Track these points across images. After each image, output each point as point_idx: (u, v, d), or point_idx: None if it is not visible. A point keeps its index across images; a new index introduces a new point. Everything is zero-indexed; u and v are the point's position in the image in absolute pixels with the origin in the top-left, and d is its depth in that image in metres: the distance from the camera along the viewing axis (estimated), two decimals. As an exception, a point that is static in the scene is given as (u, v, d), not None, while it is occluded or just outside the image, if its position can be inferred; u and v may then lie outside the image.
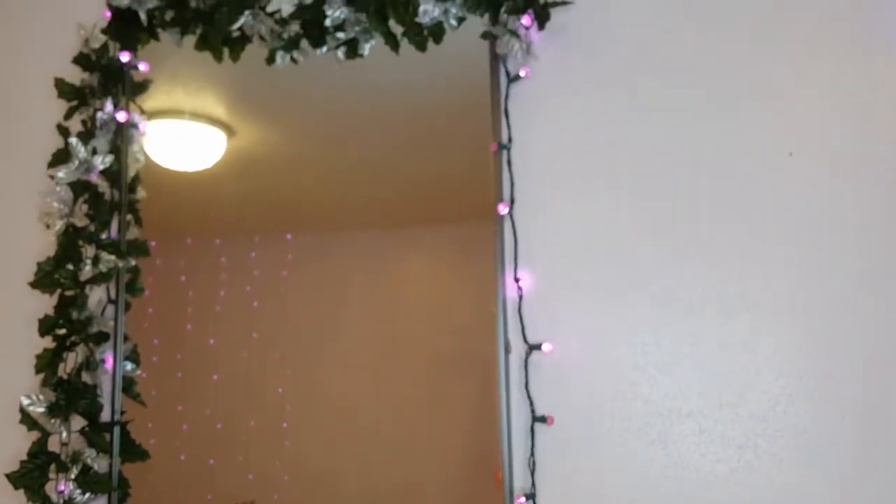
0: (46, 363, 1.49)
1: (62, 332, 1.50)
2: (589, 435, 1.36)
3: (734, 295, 1.35)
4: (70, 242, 1.51)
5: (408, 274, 1.64)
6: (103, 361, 1.51)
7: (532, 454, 1.36)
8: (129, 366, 1.54)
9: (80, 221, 1.51)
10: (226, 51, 1.59)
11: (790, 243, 1.35)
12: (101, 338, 1.52)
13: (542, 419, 1.36)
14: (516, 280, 1.41)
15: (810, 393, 1.30)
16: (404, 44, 1.50)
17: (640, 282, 1.39)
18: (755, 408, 1.32)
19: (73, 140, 1.53)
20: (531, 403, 1.37)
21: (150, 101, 1.64)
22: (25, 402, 1.45)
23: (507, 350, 1.38)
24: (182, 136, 1.70)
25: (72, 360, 1.51)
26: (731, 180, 1.39)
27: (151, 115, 1.63)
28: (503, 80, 1.47)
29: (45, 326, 1.50)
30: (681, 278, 1.37)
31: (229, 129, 1.69)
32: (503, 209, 1.42)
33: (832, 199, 1.35)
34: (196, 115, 1.69)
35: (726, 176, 1.39)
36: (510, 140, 1.45)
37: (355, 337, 1.61)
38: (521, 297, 1.40)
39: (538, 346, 1.38)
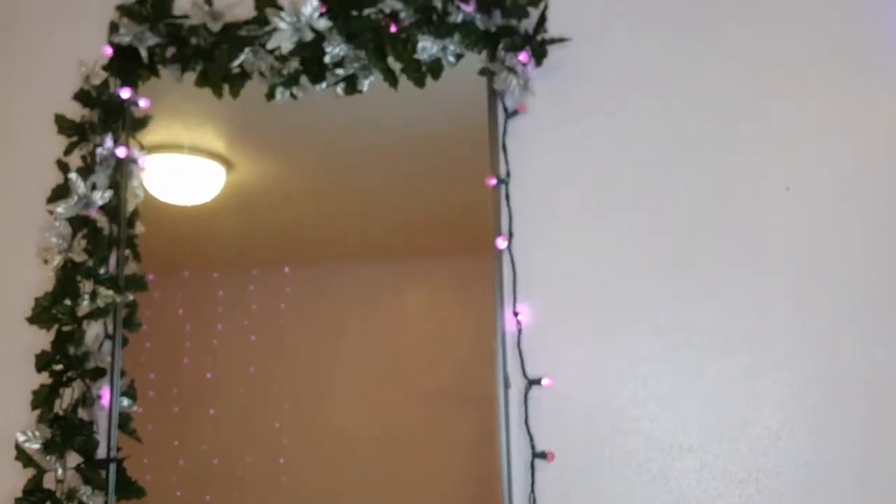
0: (43, 399, 1.48)
1: (59, 367, 1.49)
2: (590, 471, 1.35)
3: (733, 328, 1.35)
4: (68, 278, 1.51)
5: (406, 307, 1.64)
6: (100, 397, 1.50)
7: (532, 490, 1.35)
8: (125, 401, 1.53)
9: (79, 256, 1.51)
10: (226, 87, 1.60)
11: (789, 277, 1.36)
12: (98, 373, 1.51)
13: (543, 455, 1.35)
14: (515, 314, 1.41)
15: (811, 427, 1.30)
16: (403, 79, 1.51)
17: (639, 315, 1.39)
18: (756, 443, 1.31)
19: (73, 175, 1.54)
20: (531, 439, 1.36)
21: (149, 135, 1.65)
22: (21, 438, 1.44)
23: (507, 385, 1.38)
24: (181, 171, 1.71)
25: (68, 395, 1.50)
26: (729, 214, 1.40)
27: (150, 149, 1.64)
28: (501, 115, 1.48)
29: (42, 362, 1.49)
30: (680, 312, 1.38)
31: (228, 164, 1.70)
32: (502, 243, 1.43)
33: (830, 232, 1.36)
34: (195, 150, 1.70)
35: (724, 209, 1.40)
36: (508, 174, 1.46)
37: (353, 371, 1.60)
38: (520, 332, 1.40)
39: (538, 381, 1.37)
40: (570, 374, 1.39)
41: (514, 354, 1.39)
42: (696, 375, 1.35)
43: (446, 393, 1.54)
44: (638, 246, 1.42)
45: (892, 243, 1.34)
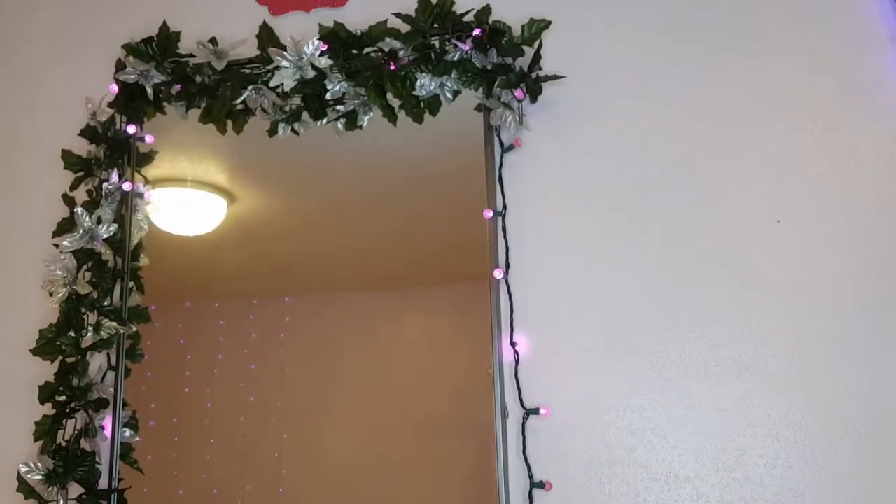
0: (45, 430, 1.50)
1: (62, 398, 1.51)
2: (587, 501, 1.36)
3: (728, 358, 1.37)
4: (72, 309, 1.53)
5: (405, 336, 1.65)
6: (102, 428, 1.51)
7: (530, 520, 1.35)
8: (127, 432, 1.54)
9: (83, 289, 1.53)
10: (229, 123, 1.64)
11: (781, 307, 1.37)
12: (101, 404, 1.52)
13: (541, 485, 1.36)
14: (512, 344, 1.42)
15: (806, 456, 1.31)
16: (402, 115, 1.55)
17: (635, 346, 1.40)
18: (752, 472, 1.32)
19: (79, 210, 1.56)
20: (529, 469, 1.37)
21: (153, 169, 1.68)
22: (23, 469, 1.45)
23: (505, 415, 1.39)
24: (184, 203, 1.74)
25: (71, 426, 1.51)
26: (722, 245, 1.42)
27: (155, 182, 1.67)
28: (497, 149, 1.51)
29: (46, 393, 1.51)
30: (675, 342, 1.39)
31: (230, 196, 1.72)
32: (499, 274, 1.45)
33: (821, 263, 1.38)
34: (198, 183, 1.72)
35: (717, 241, 1.42)
36: (505, 207, 1.49)
37: (352, 400, 1.61)
38: (517, 362, 1.42)
39: (535, 411, 1.39)
40: (568, 404, 1.40)
41: (512, 384, 1.41)
42: (691, 405, 1.36)
43: (444, 422, 1.54)
44: (632, 277, 1.44)
45: (883, 274, 1.35)
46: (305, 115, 1.60)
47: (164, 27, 1.65)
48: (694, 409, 1.36)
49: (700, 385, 1.37)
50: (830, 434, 1.31)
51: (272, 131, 1.61)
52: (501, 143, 1.51)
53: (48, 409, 1.51)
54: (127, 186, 1.61)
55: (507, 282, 1.45)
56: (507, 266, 1.46)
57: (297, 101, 1.59)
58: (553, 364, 1.42)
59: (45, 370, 1.54)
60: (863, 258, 1.37)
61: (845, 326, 1.35)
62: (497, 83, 1.49)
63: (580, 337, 1.43)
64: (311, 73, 1.56)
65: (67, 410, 1.51)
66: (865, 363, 1.33)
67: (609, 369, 1.40)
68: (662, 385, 1.38)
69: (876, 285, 1.35)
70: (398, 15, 1.54)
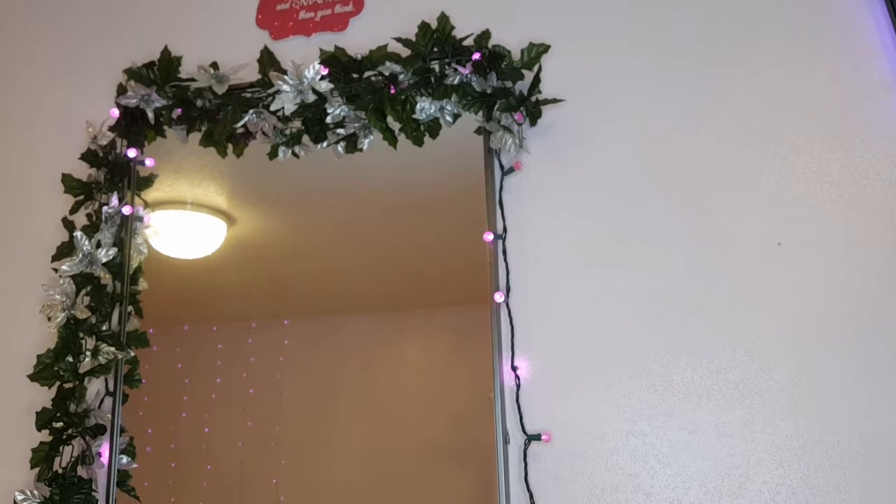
0: (42, 457, 1.48)
1: (59, 425, 1.49)
2: (590, 528, 1.34)
3: (730, 383, 1.36)
4: (70, 334, 1.52)
5: (405, 359, 1.64)
6: (99, 455, 1.50)
7: (533, 548, 1.34)
8: (124, 459, 1.52)
9: (82, 313, 1.53)
10: (229, 146, 1.64)
11: (783, 331, 1.37)
12: (98, 431, 1.51)
13: (543, 512, 1.35)
14: (514, 369, 1.41)
15: (810, 483, 1.29)
16: (401, 138, 1.55)
17: (637, 370, 1.39)
18: (756, 498, 1.30)
19: (79, 234, 1.56)
20: (531, 496, 1.35)
21: (153, 191, 1.67)
22: (19, 497, 1.44)
23: (506, 440, 1.37)
24: (183, 225, 1.74)
25: (67, 453, 1.50)
26: (723, 269, 1.41)
27: (154, 205, 1.67)
28: (497, 172, 1.51)
29: (43, 419, 1.49)
30: (677, 367, 1.38)
31: (230, 218, 1.72)
32: (499, 297, 1.44)
33: (822, 286, 1.37)
34: (198, 205, 1.72)
35: (718, 265, 1.42)
36: (505, 230, 1.49)
37: (351, 425, 1.60)
38: (518, 386, 1.40)
39: (537, 437, 1.37)
40: (569, 429, 1.38)
41: (513, 409, 1.39)
42: (694, 431, 1.35)
43: (445, 447, 1.53)
44: (634, 300, 1.43)
45: (886, 297, 1.35)
46: (306, 139, 1.61)
47: (165, 52, 1.66)
48: (697, 435, 1.35)
49: (703, 410, 1.36)
50: (834, 460, 1.30)
51: (272, 154, 1.61)
52: (501, 166, 1.51)
53: (45, 435, 1.50)
54: (127, 210, 1.61)
55: (507, 305, 1.44)
56: (508, 289, 1.45)
57: (297, 124, 1.60)
58: (554, 389, 1.41)
59: (43, 396, 1.52)
60: (865, 281, 1.36)
61: (848, 350, 1.34)
62: (497, 107, 1.50)
63: (582, 361, 1.42)
64: (311, 97, 1.56)
65: (64, 437, 1.49)
66: (869, 388, 1.32)
67: (611, 394, 1.39)
68: (665, 410, 1.37)
69: (879, 309, 1.34)
70: (398, 39, 1.55)
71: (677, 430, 1.36)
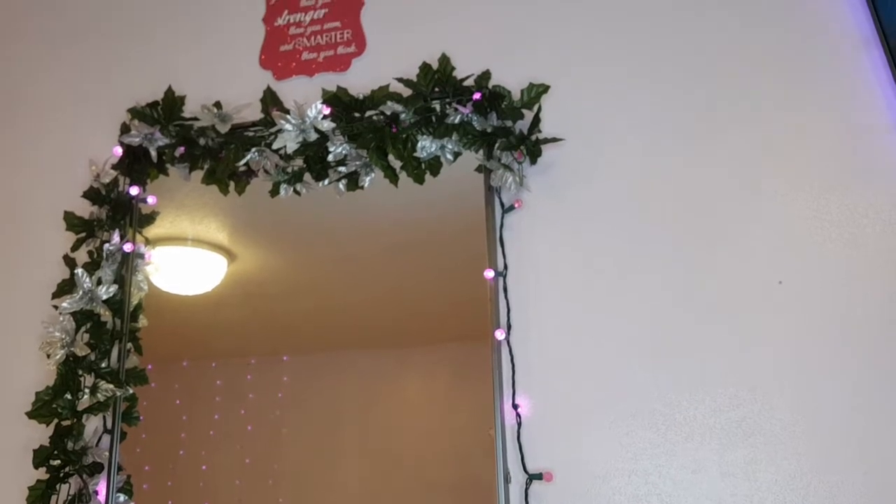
0: (39, 496, 1.47)
1: (57, 462, 1.48)
2: (592, 570, 1.33)
3: (733, 422, 1.35)
4: (69, 372, 1.52)
5: (405, 396, 1.64)
6: (96, 493, 1.48)
7: (535, 590, 1.32)
8: (121, 497, 1.51)
9: (81, 351, 1.52)
10: (231, 184, 1.65)
11: (785, 369, 1.36)
12: (95, 469, 1.50)
13: (545, 553, 1.33)
14: (515, 407, 1.41)
15: (814, 523, 1.29)
16: (403, 176, 1.56)
17: (639, 409, 1.39)
18: (760, 539, 1.30)
19: (80, 271, 1.56)
20: (533, 536, 1.34)
21: (154, 228, 1.68)
22: (14, 538, 1.42)
23: (507, 480, 1.36)
24: (184, 262, 1.74)
25: (64, 492, 1.48)
26: (725, 307, 1.42)
27: (155, 241, 1.67)
28: (498, 209, 1.52)
29: (40, 457, 1.48)
30: (679, 405, 1.38)
31: (230, 255, 1.73)
32: (500, 335, 1.44)
33: (823, 325, 1.37)
34: (199, 242, 1.73)
35: (719, 303, 1.42)
36: (506, 267, 1.49)
37: (350, 463, 1.59)
38: (519, 425, 1.40)
39: (538, 476, 1.36)
40: (571, 468, 1.37)
41: (514, 448, 1.38)
42: (697, 470, 1.34)
43: (445, 486, 1.52)
44: (635, 338, 1.43)
45: (886, 336, 1.35)
46: (307, 176, 1.62)
47: (169, 91, 1.67)
48: (700, 474, 1.34)
49: (705, 449, 1.35)
50: (838, 499, 1.29)
51: (274, 192, 1.63)
52: (502, 204, 1.52)
53: (42, 473, 1.49)
54: (128, 247, 1.61)
55: (508, 342, 1.44)
56: (509, 327, 1.45)
57: (299, 162, 1.61)
58: (556, 427, 1.40)
59: (40, 433, 1.51)
60: (866, 320, 1.36)
61: (850, 389, 1.33)
62: (497, 145, 1.51)
63: (583, 399, 1.41)
64: (313, 136, 1.58)
65: (61, 475, 1.48)
66: (872, 426, 1.31)
67: (613, 432, 1.39)
68: (668, 449, 1.36)
69: (880, 347, 1.34)
70: (400, 80, 1.57)
71: (680, 468, 1.35)
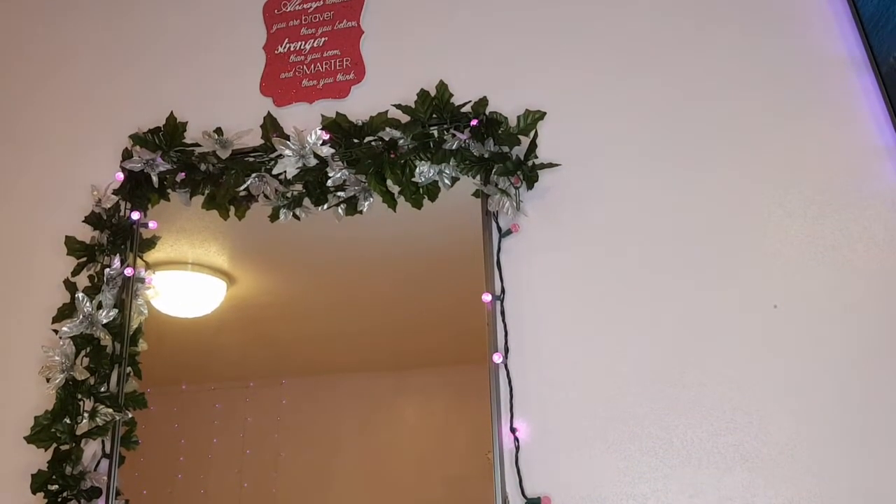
0: (36, 521, 1.47)
1: (55, 487, 1.48)
2: None
3: (731, 446, 1.35)
4: (68, 396, 1.52)
5: (403, 419, 1.63)
6: (94, 518, 1.48)
7: None
8: (119, 522, 1.50)
9: (80, 375, 1.52)
10: (231, 209, 1.67)
11: (781, 393, 1.36)
12: (94, 494, 1.49)
13: (543, 578, 1.32)
14: (512, 430, 1.41)
15: (813, 547, 1.28)
16: (401, 201, 1.57)
17: (636, 432, 1.39)
18: (759, 564, 1.29)
19: (80, 295, 1.57)
20: (531, 561, 1.34)
21: (154, 252, 1.69)
22: (12, 564, 1.41)
23: (505, 504, 1.36)
24: (184, 285, 1.75)
25: (62, 517, 1.48)
26: (720, 332, 1.42)
27: (155, 265, 1.68)
28: (495, 234, 1.53)
29: (38, 482, 1.48)
30: (677, 429, 1.38)
31: (230, 278, 1.73)
32: (498, 358, 1.44)
33: (819, 349, 1.38)
34: (198, 265, 1.74)
35: (715, 327, 1.42)
36: (503, 291, 1.50)
37: (349, 486, 1.58)
38: (517, 448, 1.40)
39: (536, 501, 1.36)
40: (569, 492, 1.37)
41: (512, 472, 1.38)
42: (695, 494, 1.34)
43: (443, 510, 1.52)
44: (632, 362, 1.43)
45: (882, 359, 1.35)
46: (307, 201, 1.63)
47: (171, 118, 1.69)
48: (698, 499, 1.34)
49: (703, 473, 1.35)
50: (837, 523, 1.29)
51: (274, 217, 1.64)
52: (499, 229, 1.54)
53: (40, 499, 1.48)
54: (129, 272, 1.62)
55: (506, 366, 1.45)
56: (507, 350, 1.46)
57: (298, 187, 1.62)
58: (554, 451, 1.40)
59: (39, 458, 1.51)
60: (861, 344, 1.36)
61: (846, 413, 1.33)
62: (494, 171, 1.52)
63: (581, 423, 1.41)
64: (313, 162, 1.59)
65: (59, 500, 1.48)
66: (868, 450, 1.31)
67: (611, 456, 1.38)
68: (665, 473, 1.36)
69: (876, 371, 1.35)
70: (398, 106, 1.59)
71: (678, 493, 1.34)
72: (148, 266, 1.67)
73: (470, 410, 1.48)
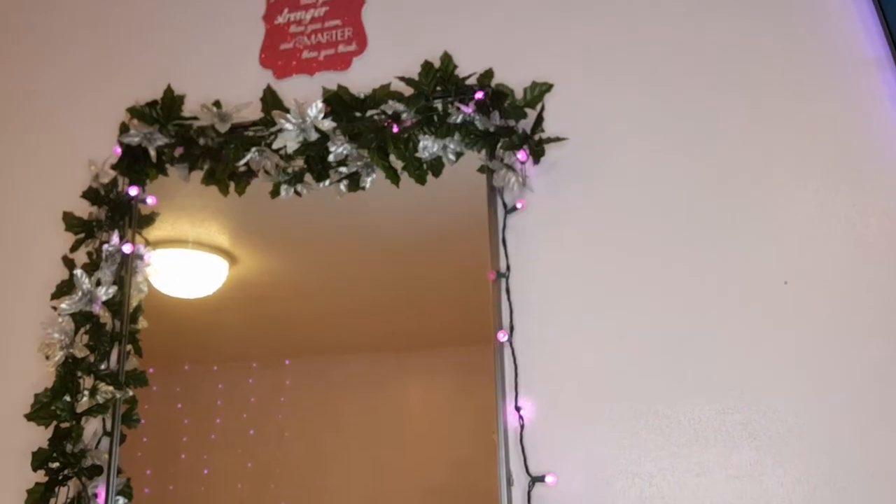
0: (37, 498, 1.46)
1: (55, 465, 1.47)
2: (596, 574, 1.31)
3: (738, 424, 1.34)
4: (68, 373, 1.51)
5: (407, 399, 1.63)
6: (95, 496, 1.47)
7: None
8: (121, 501, 1.50)
9: (80, 352, 1.51)
10: (231, 184, 1.64)
11: (790, 370, 1.35)
12: (95, 471, 1.48)
13: (548, 557, 1.31)
14: (517, 409, 1.39)
15: (822, 526, 1.27)
16: (404, 176, 1.55)
17: (642, 410, 1.37)
18: (767, 543, 1.28)
19: (79, 272, 1.55)
20: (535, 540, 1.33)
21: (154, 230, 1.67)
22: (12, 541, 1.41)
23: (510, 483, 1.35)
24: (185, 265, 1.73)
25: (63, 494, 1.47)
26: (729, 308, 1.40)
27: (155, 244, 1.67)
28: (500, 210, 1.51)
29: (39, 460, 1.47)
30: (684, 407, 1.36)
31: (231, 257, 1.72)
32: (502, 337, 1.43)
33: (829, 325, 1.36)
34: (199, 244, 1.72)
35: (724, 304, 1.41)
36: (508, 269, 1.48)
37: (353, 467, 1.58)
38: (522, 427, 1.38)
39: (541, 479, 1.35)
40: (575, 471, 1.36)
41: (517, 451, 1.37)
42: (702, 473, 1.33)
43: (448, 489, 1.51)
44: (639, 338, 1.42)
45: (893, 336, 1.33)
46: (308, 177, 1.61)
47: (168, 90, 1.67)
48: (705, 477, 1.32)
49: (710, 451, 1.33)
50: (844, 502, 1.27)
51: (275, 193, 1.62)
52: (505, 205, 1.51)
53: (40, 476, 1.47)
54: (127, 248, 1.60)
55: (511, 344, 1.43)
56: (511, 328, 1.44)
57: (299, 162, 1.60)
58: (559, 429, 1.39)
59: (39, 436, 1.50)
60: (872, 320, 1.35)
61: (856, 390, 1.32)
62: (500, 145, 1.50)
63: (587, 401, 1.40)
64: (314, 136, 1.57)
65: (60, 478, 1.47)
66: (878, 427, 1.30)
67: (617, 434, 1.37)
68: (672, 451, 1.34)
69: (888, 347, 1.33)
70: (401, 78, 1.56)
71: (685, 471, 1.33)
72: (147, 243, 1.65)
73: (475, 392, 1.47)
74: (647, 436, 1.36)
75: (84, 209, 1.66)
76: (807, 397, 1.33)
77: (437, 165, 1.54)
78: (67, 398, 1.50)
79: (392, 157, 1.54)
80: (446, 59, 1.55)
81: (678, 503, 1.32)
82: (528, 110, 1.52)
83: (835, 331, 1.35)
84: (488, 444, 1.37)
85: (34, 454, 1.47)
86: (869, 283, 1.37)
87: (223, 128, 1.61)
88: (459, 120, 1.51)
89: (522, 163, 1.49)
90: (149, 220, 1.66)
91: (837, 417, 1.31)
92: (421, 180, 1.54)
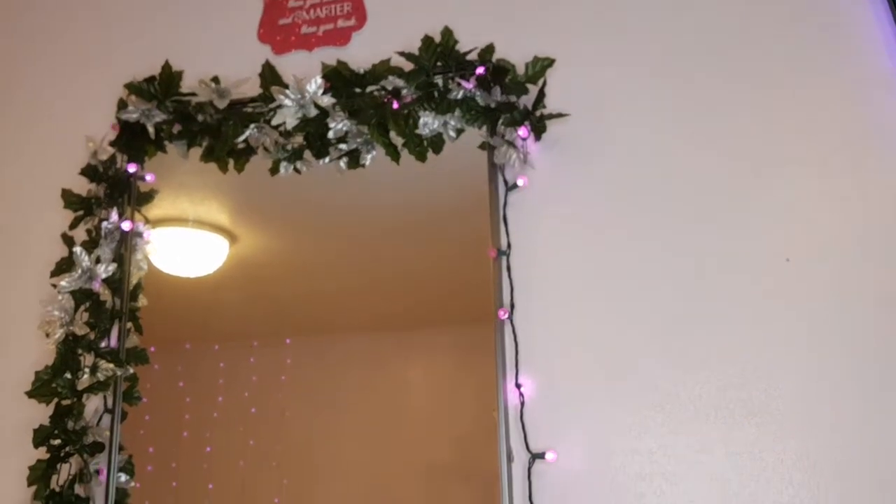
0: (39, 475, 1.46)
1: (57, 442, 1.47)
2: (596, 549, 1.32)
3: (739, 401, 1.33)
4: (69, 351, 1.51)
5: (408, 378, 1.63)
6: (97, 473, 1.48)
7: (537, 570, 1.31)
8: (123, 477, 1.50)
9: (80, 330, 1.51)
10: (230, 161, 1.63)
11: (791, 348, 1.34)
12: (96, 448, 1.49)
13: (548, 533, 1.32)
14: (518, 386, 1.39)
15: (820, 502, 1.27)
16: (404, 153, 1.54)
17: (643, 388, 1.37)
18: (766, 519, 1.28)
19: (78, 249, 1.55)
20: (535, 516, 1.33)
21: (154, 208, 1.67)
22: (15, 517, 1.42)
23: (510, 459, 1.35)
24: (185, 243, 1.73)
25: (65, 471, 1.48)
26: (730, 285, 1.40)
27: (155, 222, 1.66)
28: (501, 188, 1.50)
29: (40, 437, 1.47)
30: (685, 384, 1.36)
31: (232, 236, 1.71)
32: (503, 314, 1.42)
33: (831, 303, 1.35)
34: (199, 223, 1.72)
35: (725, 280, 1.40)
36: (509, 246, 1.47)
37: (354, 445, 1.58)
38: (522, 404, 1.38)
39: (541, 455, 1.35)
40: (575, 447, 1.36)
41: (517, 428, 1.37)
42: (702, 449, 1.33)
43: (448, 467, 1.51)
44: (640, 316, 1.41)
45: (893, 313, 1.33)
46: (308, 154, 1.60)
47: (166, 66, 1.65)
48: (705, 454, 1.32)
49: (711, 428, 1.33)
50: (845, 478, 1.27)
51: (274, 170, 1.61)
52: (506, 182, 1.50)
53: (42, 453, 1.48)
54: (126, 226, 1.60)
55: (511, 322, 1.43)
56: (512, 306, 1.44)
57: (299, 139, 1.59)
58: (559, 406, 1.39)
59: (40, 413, 1.50)
60: (874, 298, 1.34)
61: (857, 368, 1.31)
62: (501, 121, 1.48)
63: (587, 378, 1.40)
64: (313, 112, 1.55)
65: (62, 455, 1.48)
66: (879, 405, 1.29)
67: (618, 411, 1.37)
68: (672, 428, 1.34)
69: (890, 324, 1.32)
70: (401, 54, 1.54)
71: (685, 448, 1.33)
72: (147, 221, 1.64)
73: (475, 368, 1.47)
74: (647, 413, 1.36)
75: (83, 186, 1.65)
76: (808, 374, 1.33)
77: (437, 142, 1.53)
78: (68, 375, 1.50)
79: (392, 134, 1.53)
80: (447, 33, 1.53)
81: (678, 480, 1.32)
82: (529, 86, 1.51)
83: (836, 308, 1.35)
84: (489, 421, 1.37)
85: (35, 431, 1.48)
86: (871, 261, 1.36)
87: (222, 104, 1.60)
88: (460, 96, 1.50)
89: (524, 139, 1.48)
90: (148, 197, 1.66)
91: (838, 394, 1.31)
92: (421, 157, 1.53)
